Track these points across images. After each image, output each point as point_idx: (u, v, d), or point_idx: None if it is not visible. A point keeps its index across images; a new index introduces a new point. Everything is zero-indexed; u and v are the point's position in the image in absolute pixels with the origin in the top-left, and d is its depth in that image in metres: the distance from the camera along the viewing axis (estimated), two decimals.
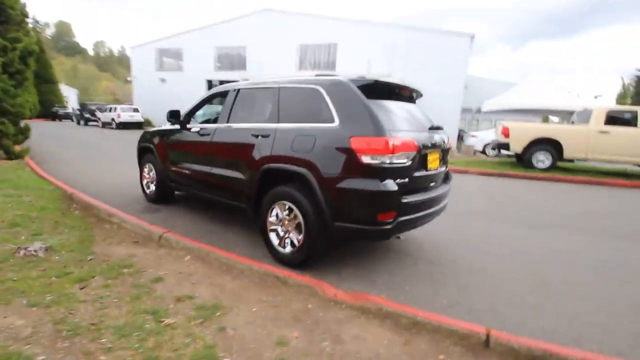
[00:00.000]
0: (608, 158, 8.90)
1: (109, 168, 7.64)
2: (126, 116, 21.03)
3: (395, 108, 2.96)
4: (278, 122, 3.10)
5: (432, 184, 3.12)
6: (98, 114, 22.85)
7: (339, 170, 2.61)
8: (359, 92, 2.73)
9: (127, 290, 2.38)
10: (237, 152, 3.40)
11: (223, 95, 3.99)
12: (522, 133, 9.66)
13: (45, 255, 2.85)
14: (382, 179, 2.54)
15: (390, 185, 2.56)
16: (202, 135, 3.84)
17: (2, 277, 2.45)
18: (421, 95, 3.52)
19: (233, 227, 3.99)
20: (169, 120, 4.26)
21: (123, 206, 4.54)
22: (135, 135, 18.35)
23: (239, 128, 3.43)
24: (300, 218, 2.83)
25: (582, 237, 4.18)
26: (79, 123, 25.06)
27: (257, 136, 3.19)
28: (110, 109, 21.76)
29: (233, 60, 21.98)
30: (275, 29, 20.05)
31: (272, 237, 3.10)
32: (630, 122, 8.61)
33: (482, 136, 15.08)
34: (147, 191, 4.95)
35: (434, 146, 3.08)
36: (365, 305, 2.27)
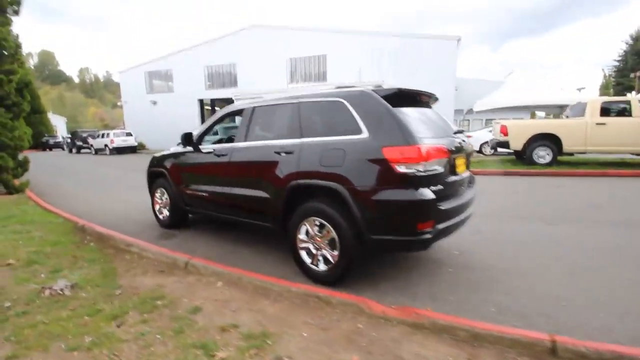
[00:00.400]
0: (606, 149, 9.05)
1: (112, 195, 7.49)
2: (119, 141, 20.85)
3: (418, 115, 2.95)
4: (301, 137, 3.05)
5: (461, 189, 3.09)
6: (90, 140, 22.63)
7: (373, 182, 2.57)
8: (384, 102, 2.72)
9: (167, 324, 2.27)
10: (259, 171, 3.34)
11: (237, 114, 3.95)
12: (521, 130, 9.79)
13: (71, 293, 2.73)
14: (419, 188, 2.50)
15: (428, 193, 2.52)
16: (218, 156, 3.77)
17: (32, 321, 2.32)
18: (437, 99, 3.52)
19: (253, 246, 3.89)
20: (182, 144, 4.19)
21: (137, 234, 4.42)
22: (131, 159, 18.36)
23: (260, 146, 3.38)
24: (333, 233, 2.77)
25: (602, 229, 4.17)
26: (70, 151, 24.76)
27: (279, 153, 3.14)
28: (103, 134, 21.58)
29: (224, 78, 22.06)
30: (264, 45, 20.25)
31: (303, 255, 3.02)
32: (624, 112, 8.79)
33: (478, 136, 15.28)
34: (160, 217, 4.84)
35: (460, 150, 3.06)
36: (418, 321, 2.20)
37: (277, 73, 20.08)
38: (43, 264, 3.37)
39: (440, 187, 2.64)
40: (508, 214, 5.08)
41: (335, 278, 2.83)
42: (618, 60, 47.15)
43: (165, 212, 4.75)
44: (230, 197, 3.64)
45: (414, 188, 2.49)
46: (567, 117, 10.58)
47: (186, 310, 2.45)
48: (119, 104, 28.99)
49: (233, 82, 21.68)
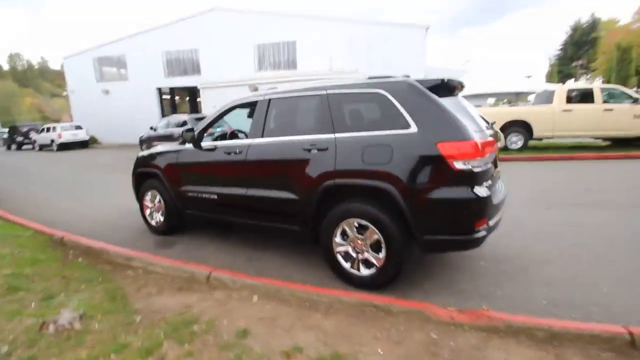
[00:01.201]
0: (572, 134, 9.71)
1: (81, 198, 6.67)
2: (68, 135, 18.87)
3: (459, 106, 2.81)
4: (334, 132, 2.79)
5: (498, 182, 3.04)
6: (33, 135, 20.23)
7: (427, 180, 2.40)
8: (430, 93, 2.54)
9: (218, 355, 1.96)
10: (284, 170, 3.04)
11: (248, 106, 3.57)
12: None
13: (82, 326, 2.29)
14: (476, 185, 2.38)
15: (484, 190, 2.42)
16: (229, 153, 3.39)
17: None
18: (463, 87, 3.39)
19: (271, 251, 3.60)
20: (183, 141, 3.73)
21: (129, 243, 3.93)
22: (85, 156, 16.92)
23: (283, 142, 3.06)
24: (378, 235, 2.58)
25: (607, 212, 4.39)
26: (9, 148, 22.04)
27: (309, 150, 2.86)
28: (48, 128, 19.36)
29: (185, 65, 20.66)
30: (229, 30, 19.16)
31: (340, 259, 2.81)
32: (587, 99, 9.44)
33: None
34: (152, 222, 4.33)
35: (495, 144, 2.99)
36: (491, 324, 2.10)
37: (244, 60, 19.16)
38: (29, 290, 2.83)
39: (490, 182, 2.55)
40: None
41: (383, 282, 2.66)
42: (560, 50, 51.22)
43: (159, 217, 4.26)
44: (247, 199, 3.29)
45: (472, 185, 2.37)
46: (533, 104, 11.19)
47: (232, 334, 2.15)
48: (64, 93, 26.19)
49: (195, 70, 20.39)
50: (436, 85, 2.62)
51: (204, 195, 3.67)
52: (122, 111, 21.44)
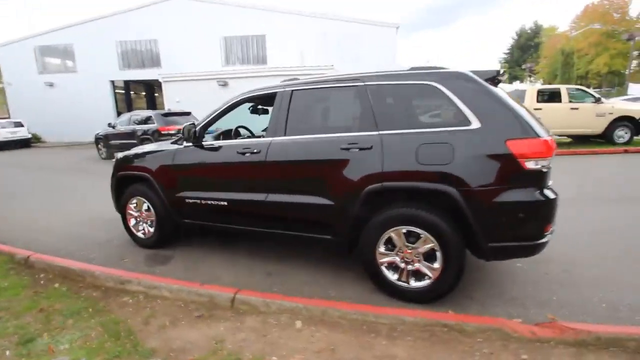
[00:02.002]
0: None
1: (36, 206, 5.69)
2: (6, 133, 16.63)
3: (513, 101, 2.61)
4: (377, 129, 2.47)
5: None
6: None
7: (495, 182, 2.16)
8: (489, 86, 2.31)
9: None
10: (317, 172, 2.66)
11: (263, 99, 3.13)
12: None
13: None
14: (544, 186, 2.19)
15: (551, 191, 2.24)
16: (244, 154, 2.92)
17: None
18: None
19: (289, 262, 3.19)
20: (184, 139, 3.19)
21: (115, 262, 3.32)
22: (29, 156, 15.10)
23: (315, 141, 2.67)
24: (434, 243, 2.31)
25: (615, 206, 4.51)
26: None
27: (348, 149, 2.51)
28: None
29: (143, 56, 19.08)
30: (193, 20, 17.97)
31: (385, 270, 2.50)
32: (555, 98, 9.99)
33: None
34: (139, 234, 3.71)
35: None
36: (579, 338, 1.91)
37: (210, 53, 18.08)
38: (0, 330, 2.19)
39: (551, 182, 2.38)
40: None
41: (437, 295, 2.39)
42: (506, 53, 55.11)
43: (147, 228, 3.66)
44: (267, 206, 2.86)
45: (541, 187, 2.18)
46: None
47: None
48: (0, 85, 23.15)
49: (155, 62, 18.90)
50: (492, 77, 2.39)
51: (209, 202, 3.16)
52: (69, 106, 19.31)
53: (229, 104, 3.20)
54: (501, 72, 2.43)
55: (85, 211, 5.16)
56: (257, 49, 18.21)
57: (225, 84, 15.21)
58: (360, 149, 2.47)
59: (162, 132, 10.59)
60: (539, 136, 2.13)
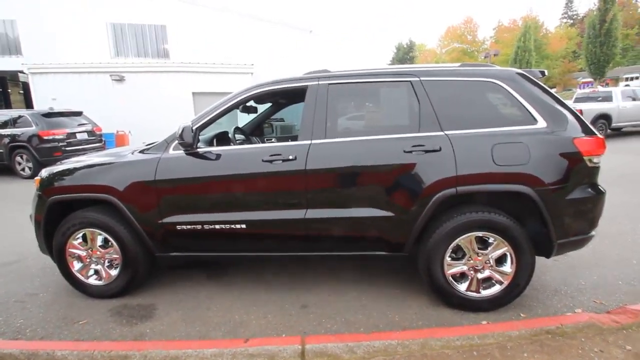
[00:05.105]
0: None
1: None
2: None
3: None
4: (441, 129, 2.25)
5: None
6: None
7: (565, 180, 2.18)
8: (544, 85, 2.34)
9: None
10: (372, 180, 2.27)
11: (287, 94, 2.57)
12: None
13: None
14: (597, 181, 2.33)
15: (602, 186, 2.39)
16: (271, 161, 2.32)
17: None
18: None
19: (315, 284, 2.71)
20: (182, 145, 2.35)
21: (64, 328, 2.28)
22: None
23: (370, 144, 2.27)
24: (507, 247, 2.22)
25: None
26: None
27: (411, 152, 2.22)
28: None
29: None
30: None
31: (453, 282, 2.31)
32: None
33: None
34: (90, 280, 2.65)
35: None
36: None
37: (93, 41, 14.98)
38: None
39: None
40: None
41: (509, 300, 2.31)
42: (389, 64, 62.53)
43: (104, 271, 2.63)
44: (307, 224, 2.32)
45: (597, 182, 2.30)
46: None
47: None
48: None
49: (13, 49, 14.71)
50: (539, 77, 2.44)
51: (216, 227, 2.42)
52: None
53: (235, 100, 2.51)
54: (545, 73, 2.49)
55: None
56: (157, 41, 15.95)
57: (121, 79, 12.83)
58: (427, 151, 2.21)
59: (45, 138, 8.21)
60: (597, 134, 2.25)
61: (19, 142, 8.25)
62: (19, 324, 2.32)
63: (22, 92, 20.85)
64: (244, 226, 2.39)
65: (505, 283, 2.27)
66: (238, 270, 3.04)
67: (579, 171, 2.20)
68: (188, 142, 2.31)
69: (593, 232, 2.34)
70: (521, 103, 2.24)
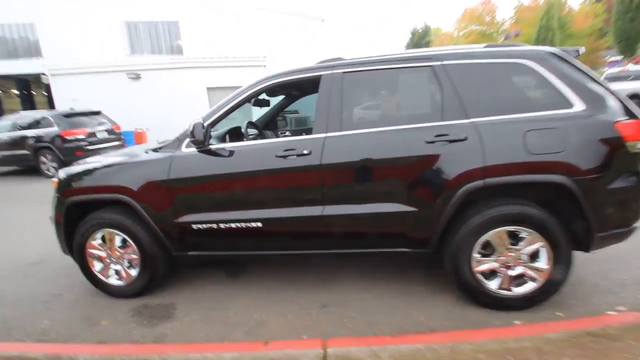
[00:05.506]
0: None
1: None
2: None
3: None
4: (467, 116, 2.09)
5: None
6: None
7: (606, 167, 1.99)
8: (582, 65, 2.13)
9: None
10: (392, 174, 2.16)
11: (299, 85, 2.46)
12: None
13: None
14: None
15: None
16: (285, 157, 2.22)
17: None
18: None
19: (333, 282, 2.63)
20: (194, 141, 2.28)
21: (86, 330, 2.29)
22: None
23: (390, 134, 2.14)
24: (542, 242, 2.06)
25: None
26: None
27: (434, 142, 2.07)
28: None
29: (15, 44, 15.09)
30: (82, 0, 14.82)
31: (483, 279, 2.17)
32: None
33: None
34: (111, 280, 2.66)
35: None
36: None
37: (109, 41, 15.22)
38: None
39: None
40: None
41: (545, 297, 2.16)
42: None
43: (124, 271, 2.63)
44: (324, 221, 2.23)
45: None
46: None
47: None
48: None
49: (34, 51, 15.14)
50: (574, 56, 2.22)
51: (232, 226, 2.36)
52: None
53: (246, 93, 2.42)
54: (580, 51, 2.27)
55: None
56: (170, 38, 16.05)
57: (137, 77, 12.99)
58: (451, 140, 2.06)
59: (67, 138, 8.42)
60: (636, 117, 2.03)
61: (43, 142, 8.50)
62: (45, 326, 2.35)
63: (45, 93, 21.55)
64: (259, 224, 2.32)
65: (541, 280, 2.12)
66: (256, 267, 3.00)
67: (621, 158, 1.99)
68: (199, 139, 2.24)
69: (637, 224, 2.14)
70: (555, 85, 2.04)
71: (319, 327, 2.16)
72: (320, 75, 2.29)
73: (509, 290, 2.16)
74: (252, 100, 2.99)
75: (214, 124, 2.43)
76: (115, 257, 2.62)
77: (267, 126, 3.61)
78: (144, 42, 15.87)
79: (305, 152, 2.20)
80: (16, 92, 21.19)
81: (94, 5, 14.81)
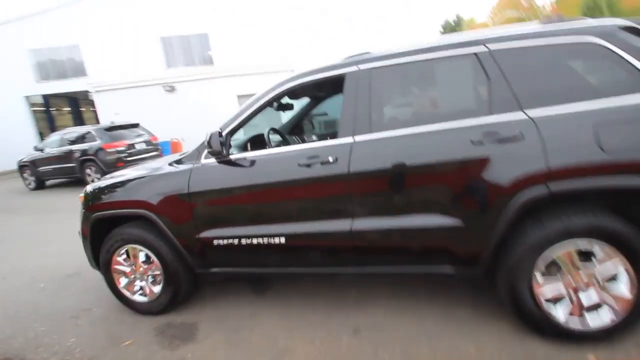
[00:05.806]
0: None
1: None
2: None
3: None
4: (521, 108, 1.75)
5: None
6: None
7: None
8: None
9: None
10: (432, 181, 1.87)
11: (322, 85, 2.25)
12: None
13: None
14: None
15: None
16: (309, 165, 2.01)
17: None
18: None
19: (364, 304, 2.36)
20: (212, 152, 2.15)
21: (109, 348, 2.20)
22: None
23: (427, 135, 1.85)
24: (623, 263, 1.66)
25: None
26: None
27: (482, 142, 1.75)
28: None
29: (64, 65, 16.35)
30: (120, 19, 15.73)
31: (548, 306, 1.79)
32: None
33: None
34: (136, 296, 2.59)
35: None
36: None
37: (147, 56, 16.01)
38: None
39: None
40: None
41: (625, 328, 1.76)
42: None
43: (148, 287, 2.55)
44: (353, 237, 1.98)
45: None
46: None
47: None
48: None
49: (79, 71, 16.28)
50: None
51: (253, 242, 2.19)
52: None
53: (266, 98, 2.23)
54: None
55: (27, 267, 3.76)
56: (202, 49, 16.56)
57: (172, 89, 13.50)
58: (502, 140, 1.73)
59: (108, 150, 8.85)
60: None
61: (87, 155, 9.01)
62: (70, 343, 2.32)
63: (92, 109, 23.21)
64: (282, 240, 2.13)
65: (621, 308, 1.72)
66: (282, 283, 2.81)
67: None
68: (217, 149, 2.09)
69: None
70: (627, 64, 1.65)
71: (350, 357, 1.92)
72: (345, 74, 2.05)
73: (580, 317, 1.78)
74: (275, 105, 2.83)
75: (233, 132, 2.28)
76: (139, 273, 2.55)
77: (293, 131, 3.43)
78: (177, 56, 16.51)
79: (330, 159, 1.96)
80: (68, 109, 23.02)
81: (132, 24, 15.65)
